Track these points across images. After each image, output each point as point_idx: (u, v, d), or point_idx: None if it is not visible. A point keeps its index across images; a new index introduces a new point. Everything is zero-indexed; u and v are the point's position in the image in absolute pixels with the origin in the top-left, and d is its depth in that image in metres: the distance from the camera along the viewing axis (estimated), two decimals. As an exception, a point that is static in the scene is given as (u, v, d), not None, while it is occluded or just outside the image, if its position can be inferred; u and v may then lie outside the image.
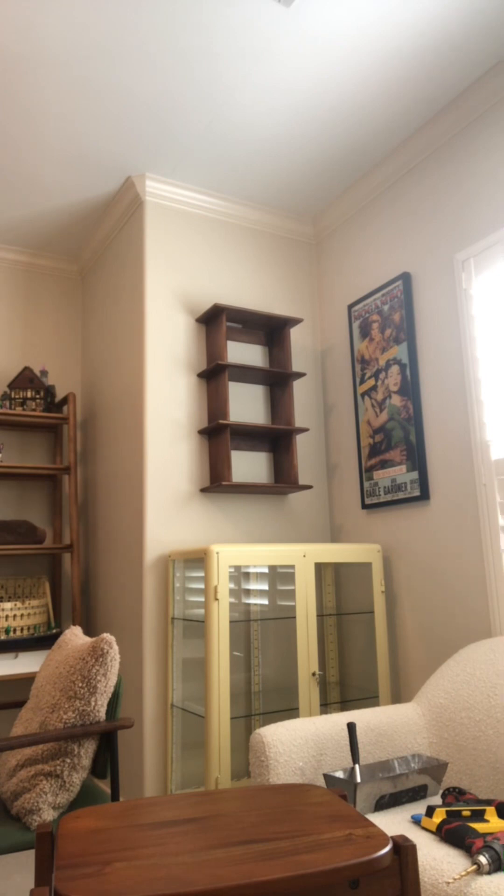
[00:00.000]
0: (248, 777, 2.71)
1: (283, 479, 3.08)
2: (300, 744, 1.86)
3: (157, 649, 2.75)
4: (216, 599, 2.43)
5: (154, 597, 2.79)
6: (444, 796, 1.76)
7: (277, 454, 3.15)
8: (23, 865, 2.41)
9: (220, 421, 2.84)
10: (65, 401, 3.44)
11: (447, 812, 1.58)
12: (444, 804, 1.65)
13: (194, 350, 3.09)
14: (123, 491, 3.08)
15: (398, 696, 2.80)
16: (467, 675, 2.03)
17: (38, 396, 3.39)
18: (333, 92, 2.57)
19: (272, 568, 3.01)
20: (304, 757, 1.85)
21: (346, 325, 3.27)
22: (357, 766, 1.81)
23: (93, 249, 3.64)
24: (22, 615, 3.04)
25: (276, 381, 3.19)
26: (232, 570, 2.93)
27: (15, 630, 3.06)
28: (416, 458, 2.73)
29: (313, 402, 3.38)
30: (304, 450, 3.30)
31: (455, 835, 1.47)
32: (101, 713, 1.86)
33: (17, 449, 3.59)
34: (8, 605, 3.00)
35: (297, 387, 3.34)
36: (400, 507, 2.86)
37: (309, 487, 3.08)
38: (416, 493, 2.72)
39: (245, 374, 3.06)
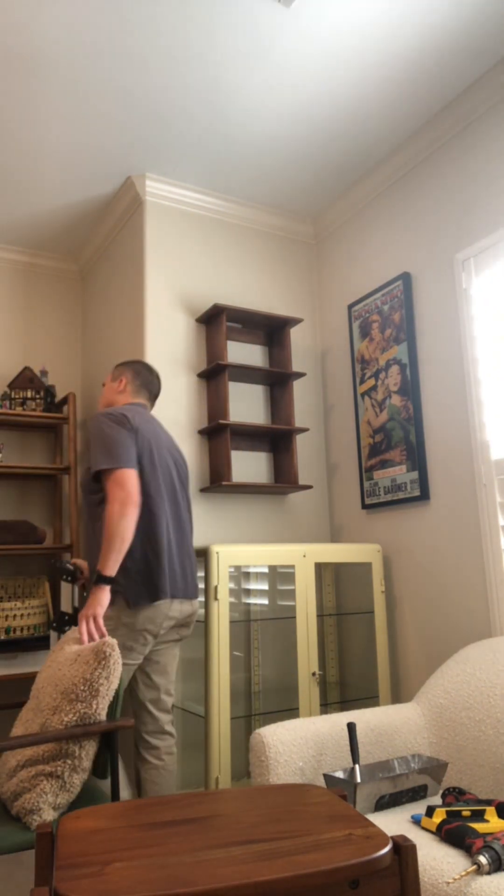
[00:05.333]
0: (248, 777, 2.71)
1: (283, 479, 3.08)
2: (300, 744, 1.86)
3: (157, 649, 2.75)
4: (216, 599, 2.43)
5: (154, 597, 2.79)
6: (444, 796, 1.76)
7: (277, 454, 3.15)
8: (23, 865, 2.41)
9: (220, 421, 2.84)
10: (65, 401, 3.44)
11: (447, 812, 1.58)
12: (444, 804, 1.65)
13: (194, 350, 3.09)
14: (123, 491, 3.08)
15: (398, 696, 2.80)
16: (467, 675, 2.03)
17: (38, 396, 3.39)
18: (334, 91, 2.57)
19: (272, 568, 3.01)
20: (304, 757, 1.85)
21: (346, 325, 3.27)
22: (357, 766, 1.81)
23: (93, 249, 3.64)
24: (22, 615, 3.04)
25: (276, 380, 3.19)
26: (232, 570, 2.93)
27: (15, 630, 3.06)
28: (416, 458, 2.73)
29: (313, 402, 3.38)
30: (304, 450, 3.30)
31: (455, 835, 1.48)
32: (103, 716, 1.86)
33: (17, 449, 3.59)
34: (8, 605, 3.00)
35: (297, 387, 3.34)
36: (400, 507, 2.86)
37: (309, 487, 3.08)
38: (416, 493, 2.72)
39: (245, 373, 3.06)
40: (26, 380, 3.39)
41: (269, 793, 1.29)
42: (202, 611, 2.63)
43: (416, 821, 1.63)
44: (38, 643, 3.05)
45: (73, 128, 2.72)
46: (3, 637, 2.98)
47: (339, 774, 1.81)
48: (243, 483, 2.84)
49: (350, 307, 3.19)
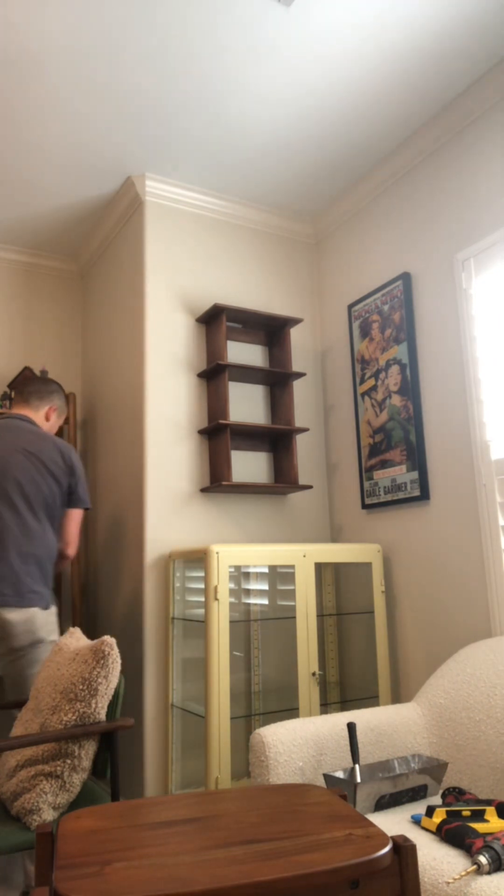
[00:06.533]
0: (248, 777, 2.71)
1: (283, 479, 3.08)
2: (300, 744, 1.86)
3: (157, 649, 2.75)
4: (216, 599, 2.43)
5: (154, 597, 2.79)
6: (444, 796, 1.76)
7: (277, 454, 3.15)
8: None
9: (220, 421, 2.84)
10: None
11: (447, 812, 1.58)
12: (444, 804, 1.65)
13: (194, 350, 3.09)
14: (123, 491, 3.08)
15: (398, 696, 2.80)
16: (467, 675, 2.03)
17: (38, 396, 3.39)
18: (333, 91, 2.57)
19: (272, 568, 3.01)
20: (304, 757, 1.85)
21: (346, 325, 3.27)
22: (357, 766, 1.81)
23: (93, 249, 3.64)
24: (22, 615, 3.03)
25: (276, 381, 3.19)
26: (232, 570, 2.93)
27: (15, 630, 3.05)
28: (416, 458, 2.73)
29: (313, 402, 3.38)
30: (304, 450, 3.30)
31: (455, 835, 1.47)
32: (102, 715, 1.86)
33: (17, 449, 3.58)
34: (8, 605, 3.00)
35: (297, 387, 3.34)
36: (400, 507, 2.86)
37: (309, 487, 3.08)
38: (416, 493, 2.72)
39: (245, 373, 3.06)
40: (26, 380, 3.39)
41: (269, 793, 1.29)
42: (202, 611, 2.63)
43: (416, 821, 1.63)
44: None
45: (73, 128, 2.72)
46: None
47: (339, 774, 1.80)
48: (243, 483, 2.84)
49: (350, 307, 3.19)
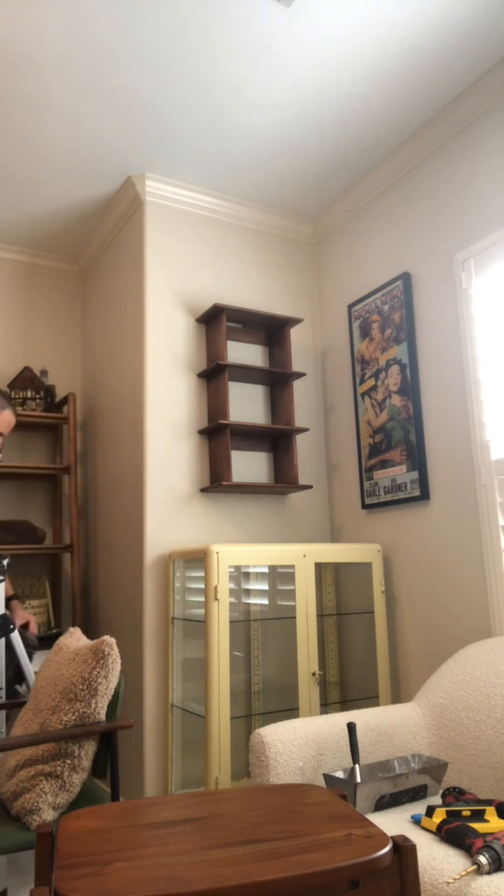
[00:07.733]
0: (248, 777, 2.71)
1: (283, 479, 3.08)
2: (300, 744, 1.86)
3: (157, 649, 2.75)
4: (216, 599, 2.43)
5: (154, 597, 2.79)
6: (444, 796, 1.76)
7: (277, 454, 3.15)
8: (23, 866, 2.41)
9: (220, 421, 2.84)
10: (65, 401, 3.44)
11: (447, 812, 1.58)
12: (444, 804, 1.65)
13: (194, 350, 3.09)
14: (123, 491, 3.08)
15: (398, 696, 2.80)
16: (467, 675, 2.03)
17: (38, 396, 3.39)
18: (333, 91, 2.57)
19: (272, 568, 3.01)
20: (304, 757, 1.85)
21: (346, 325, 3.27)
22: (357, 766, 1.81)
23: (93, 249, 3.64)
24: (22, 615, 3.03)
25: (276, 381, 3.19)
26: (232, 570, 2.93)
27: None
28: (416, 458, 2.73)
29: (313, 402, 3.38)
30: (304, 450, 3.30)
31: (455, 835, 1.47)
32: (102, 715, 1.86)
33: (17, 449, 3.59)
34: (8, 605, 3.00)
35: (297, 387, 3.34)
36: (400, 507, 2.86)
37: (309, 487, 3.08)
38: (416, 492, 2.72)
39: (245, 373, 3.06)
40: (26, 380, 3.39)
41: (269, 793, 1.29)
42: (202, 611, 2.63)
43: (416, 821, 1.63)
44: (39, 643, 3.05)
45: (73, 128, 2.72)
46: (2, 637, 2.97)
47: (339, 774, 1.80)
48: (243, 483, 2.84)
49: (350, 307, 3.19)
